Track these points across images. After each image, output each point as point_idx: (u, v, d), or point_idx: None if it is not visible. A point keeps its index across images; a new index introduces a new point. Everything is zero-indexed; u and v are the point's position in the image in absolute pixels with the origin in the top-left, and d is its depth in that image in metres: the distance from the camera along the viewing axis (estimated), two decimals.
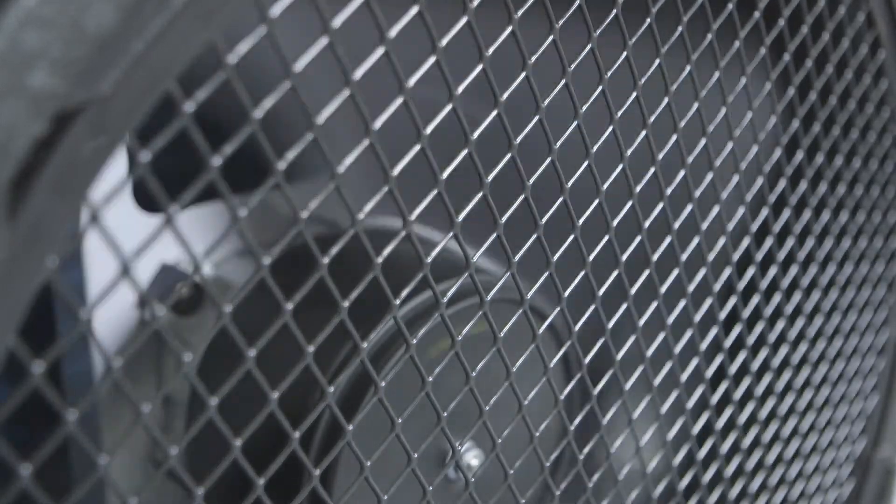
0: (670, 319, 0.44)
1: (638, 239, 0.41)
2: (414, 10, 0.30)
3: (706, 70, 0.41)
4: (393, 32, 0.29)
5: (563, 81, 0.35)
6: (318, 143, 0.28)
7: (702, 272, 0.45)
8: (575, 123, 0.36)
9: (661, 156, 0.40)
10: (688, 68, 0.40)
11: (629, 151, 0.38)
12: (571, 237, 0.38)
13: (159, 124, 0.26)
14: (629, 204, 0.40)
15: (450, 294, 0.35)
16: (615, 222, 0.39)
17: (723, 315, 0.47)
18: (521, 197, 0.35)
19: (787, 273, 0.51)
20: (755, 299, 0.49)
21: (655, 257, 0.42)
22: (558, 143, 0.35)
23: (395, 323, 0.34)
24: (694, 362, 0.46)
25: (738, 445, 0.52)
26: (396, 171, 0.31)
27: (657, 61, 0.38)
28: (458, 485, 0.44)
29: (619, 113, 0.37)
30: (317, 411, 0.32)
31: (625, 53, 0.37)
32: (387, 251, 0.32)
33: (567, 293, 0.38)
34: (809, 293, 0.54)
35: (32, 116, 0.24)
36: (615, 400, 0.43)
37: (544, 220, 0.36)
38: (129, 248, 0.26)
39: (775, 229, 0.49)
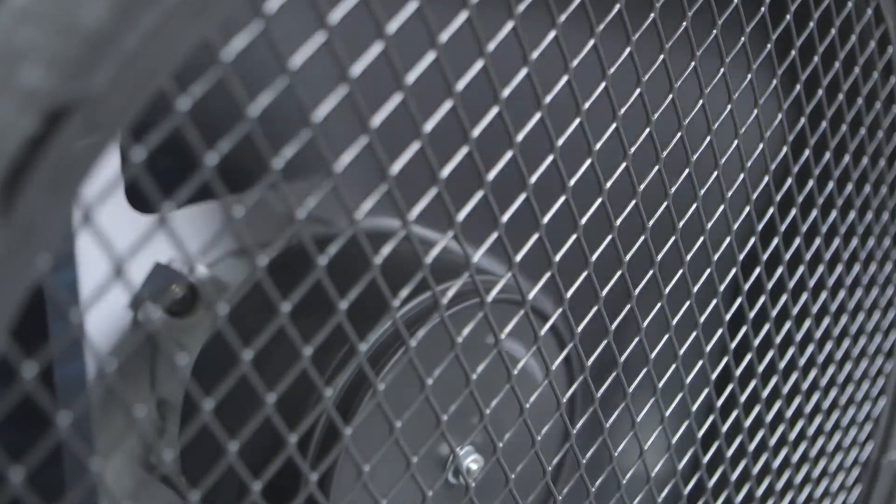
0: (674, 321, 0.43)
1: (641, 239, 0.40)
2: (413, 5, 0.29)
3: (711, 68, 0.41)
4: (392, 28, 0.29)
5: (565, 78, 0.34)
6: (314, 142, 0.28)
7: (707, 273, 0.44)
8: (577, 121, 0.35)
9: (664, 154, 0.40)
10: (692, 64, 0.40)
11: (632, 150, 0.38)
12: (574, 236, 0.37)
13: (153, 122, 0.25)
14: (632, 203, 0.39)
15: (450, 295, 0.35)
16: (618, 221, 0.38)
17: (728, 316, 0.47)
18: (523, 196, 0.35)
19: (793, 274, 0.51)
20: (761, 300, 0.49)
21: (659, 257, 0.41)
22: (560, 141, 0.35)
23: (393, 324, 0.34)
24: (699, 364, 0.46)
25: (744, 449, 0.52)
26: (395, 169, 0.30)
27: (661, 57, 0.38)
28: (458, 489, 0.44)
29: (622, 110, 0.37)
30: (314, 414, 0.32)
31: (628, 49, 0.36)
32: (386, 251, 0.31)
33: (570, 294, 0.38)
34: (817, 295, 0.53)
35: (25, 114, 0.23)
36: (618, 403, 0.43)
37: (546, 218, 0.36)
38: (122, 247, 0.26)
39: (781, 229, 0.48)
